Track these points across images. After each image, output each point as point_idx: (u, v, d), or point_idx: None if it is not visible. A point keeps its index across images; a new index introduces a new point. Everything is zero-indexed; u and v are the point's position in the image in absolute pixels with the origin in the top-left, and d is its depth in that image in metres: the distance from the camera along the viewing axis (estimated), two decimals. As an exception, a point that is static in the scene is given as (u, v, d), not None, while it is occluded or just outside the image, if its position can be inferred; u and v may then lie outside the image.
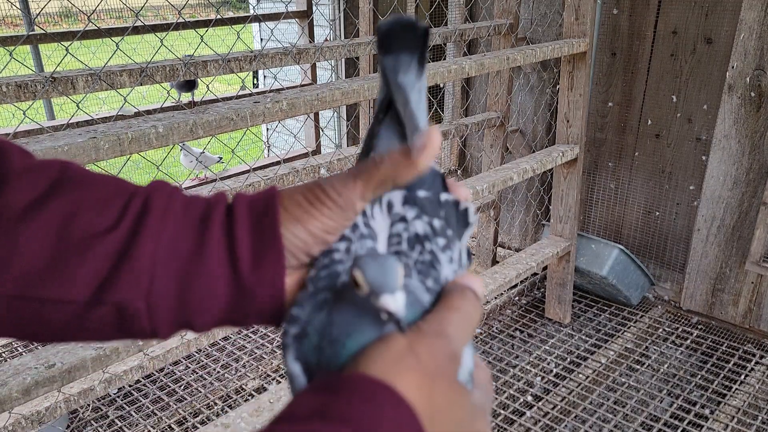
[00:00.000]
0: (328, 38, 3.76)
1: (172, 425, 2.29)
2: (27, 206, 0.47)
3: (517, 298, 3.06)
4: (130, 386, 2.49)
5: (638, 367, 2.59)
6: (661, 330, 2.82)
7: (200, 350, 2.63)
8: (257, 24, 4.25)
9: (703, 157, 2.77)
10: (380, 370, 0.42)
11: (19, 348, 2.73)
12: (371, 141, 0.55)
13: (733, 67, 2.55)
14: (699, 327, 2.83)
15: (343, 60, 3.65)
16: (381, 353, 0.43)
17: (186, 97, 3.75)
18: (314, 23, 3.83)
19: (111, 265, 0.47)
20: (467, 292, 0.49)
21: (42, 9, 2.11)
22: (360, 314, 0.46)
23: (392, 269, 0.45)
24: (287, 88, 3.60)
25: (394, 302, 0.43)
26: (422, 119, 0.52)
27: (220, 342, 2.71)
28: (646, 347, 2.71)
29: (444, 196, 0.54)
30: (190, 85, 3.70)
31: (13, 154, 0.49)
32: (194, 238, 0.49)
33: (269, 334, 2.79)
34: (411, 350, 0.44)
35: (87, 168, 0.52)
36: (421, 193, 0.53)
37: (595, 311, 2.98)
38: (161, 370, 2.53)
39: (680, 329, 2.82)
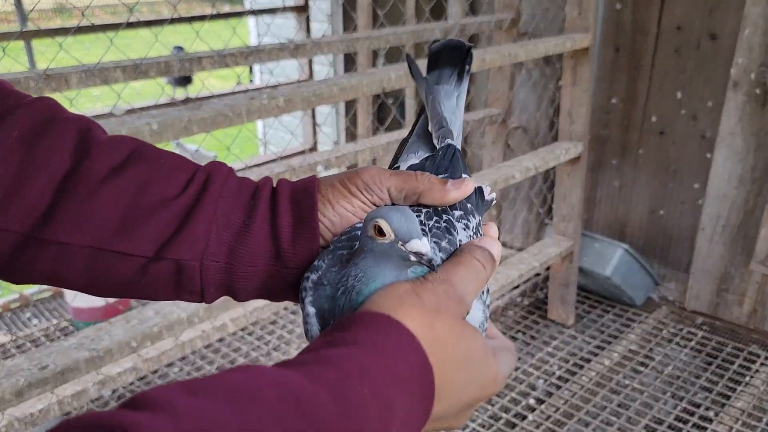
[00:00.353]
0: (326, 33, 3.71)
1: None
2: (109, 172, 0.54)
3: (519, 299, 3.02)
4: (123, 388, 2.45)
5: (642, 368, 2.55)
6: (665, 331, 2.78)
7: (194, 352, 2.59)
8: (253, 19, 4.20)
9: (708, 155, 2.72)
10: (383, 307, 0.46)
11: (11, 349, 2.69)
12: (401, 149, 0.65)
13: (737, 64, 2.51)
14: (704, 328, 2.79)
15: (341, 55, 3.60)
16: (385, 295, 0.48)
17: (180, 92, 3.70)
18: (312, 18, 3.78)
19: (174, 227, 0.55)
20: (478, 250, 0.53)
21: (36, 5, 2.06)
22: (379, 263, 0.49)
23: (414, 218, 0.49)
24: (284, 84, 3.55)
25: (424, 245, 0.48)
26: (454, 123, 0.63)
27: (215, 344, 2.67)
28: (651, 349, 2.67)
29: (465, 176, 0.60)
30: (184, 81, 3.66)
31: (97, 129, 0.57)
32: (244, 214, 0.57)
33: (265, 336, 2.75)
34: (413, 291, 0.48)
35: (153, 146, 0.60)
36: (442, 175, 0.60)
37: (599, 312, 2.94)
38: (155, 371, 2.48)
39: (685, 330, 2.78)
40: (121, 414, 0.34)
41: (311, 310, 0.53)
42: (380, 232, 0.48)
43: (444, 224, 0.56)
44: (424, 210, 0.57)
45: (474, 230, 0.57)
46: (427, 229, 0.55)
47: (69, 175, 0.54)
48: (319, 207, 0.57)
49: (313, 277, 0.54)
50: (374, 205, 0.58)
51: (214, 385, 0.38)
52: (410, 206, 0.58)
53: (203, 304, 1.70)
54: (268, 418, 0.35)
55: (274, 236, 0.57)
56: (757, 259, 2.61)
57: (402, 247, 0.48)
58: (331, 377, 0.39)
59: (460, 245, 0.54)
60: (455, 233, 0.55)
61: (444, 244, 0.54)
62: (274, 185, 0.60)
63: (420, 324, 0.46)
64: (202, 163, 0.59)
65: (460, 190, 0.58)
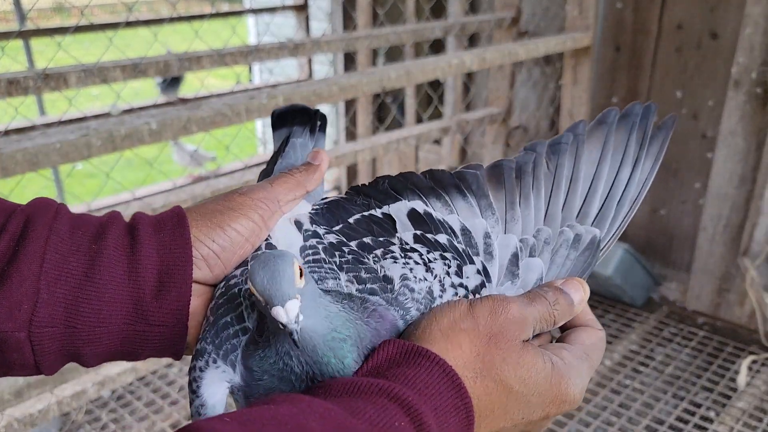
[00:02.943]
0: (325, 32, 3.70)
1: (166, 428, 2.23)
2: None
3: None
4: (123, 388, 2.44)
5: (643, 368, 2.54)
6: (666, 331, 2.77)
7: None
8: (253, 18, 4.19)
9: (709, 155, 2.72)
10: (437, 332, 0.45)
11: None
12: (271, 167, 0.62)
13: (738, 63, 2.50)
14: (704, 328, 2.79)
15: (341, 55, 3.59)
16: (438, 317, 0.46)
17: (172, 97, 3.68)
18: (311, 17, 3.77)
19: None
20: (553, 290, 0.50)
21: (35, 4, 2.06)
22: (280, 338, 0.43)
23: (282, 272, 0.41)
24: (283, 83, 3.54)
25: (285, 314, 0.40)
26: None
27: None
28: (651, 349, 2.66)
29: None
30: (174, 82, 3.64)
31: None
32: (86, 259, 0.44)
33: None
34: (469, 312, 0.46)
35: None
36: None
37: (600, 312, 2.93)
38: (155, 372, 2.48)
39: (686, 330, 2.77)
40: None
41: (209, 400, 0.45)
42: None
43: (351, 255, 0.51)
44: (321, 246, 0.52)
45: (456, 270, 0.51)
46: (335, 266, 0.50)
47: None
48: (196, 238, 0.48)
49: (200, 364, 0.46)
50: (266, 225, 0.51)
51: (264, 419, 0.37)
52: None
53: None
54: None
55: (132, 284, 0.45)
56: (749, 255, 2.60)
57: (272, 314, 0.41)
58: (370, 412, 0.38)
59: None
60: (367, 260, 0.50)
61: (364, 274, 0.49)
62: (128, 221, 0.49)
63: (469, 351, 0.44)
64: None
65: (323, 157, 0.58)
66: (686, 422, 2.25)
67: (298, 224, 0.55)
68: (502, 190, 0.56)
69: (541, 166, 0.58)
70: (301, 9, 3.76)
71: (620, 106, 2.38)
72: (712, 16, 2.61)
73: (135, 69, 1.82)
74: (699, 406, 2.33)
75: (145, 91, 6.46)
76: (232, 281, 0.49)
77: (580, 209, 0.57)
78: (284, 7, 3.73)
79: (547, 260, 0.53)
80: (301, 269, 0.42)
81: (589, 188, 0.58)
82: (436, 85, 3.33)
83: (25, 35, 3.55)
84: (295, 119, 0.65)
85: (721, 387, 2.42)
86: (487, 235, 0.53)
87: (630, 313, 2.91)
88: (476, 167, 0.57)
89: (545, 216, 0.56)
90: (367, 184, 0.57)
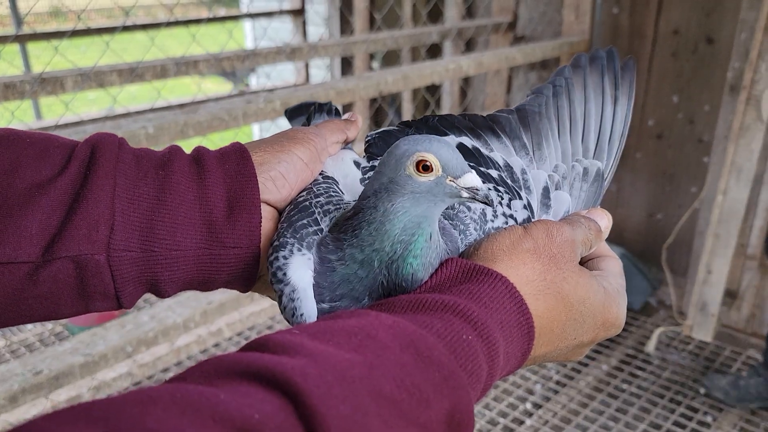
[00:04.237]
0: (322, 37, 3.70)
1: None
2: None
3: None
4: (118, 393, 2.43)
5: (640, 373, 2.54)
6: (663, 335, 2.77)
7: (190, 357, 2.57)
8: (250, 22, 4.19)
9: (705, 159, 2.72)
10: (499, 252, 0.45)
11: (6, 354, 2.66)
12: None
13: (734, 68, 2.50)
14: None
15: (338, 59, 3.59)
16: (500, 238, 0.46)
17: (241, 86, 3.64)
18: (308, 21, 3.78)
19: (61, 215, 0.42)
20: (584, 217, 0.52)
21: (32, 8, 2.05)
22: (422, 205, 0.44)
23: (457, 151, 0.44)
24: (280, 87, 3.54)
25: (479, 179, 0.44)
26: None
27: (210, 349, 2.65)
28: (648, 353, 2.66)
29: None
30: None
31: None
32: (155, 185, 0.45)
33: (262, 339, 2.73)
34: (527, 234, 0.47)
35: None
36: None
37: (595, 315, 2.93)
38: (150, 377, 2.46)
39: (682, 334, 2.77)
40: (260, 357, 0.33)
41: (299, 284, 0.45)
42: (424, 168, 0.43)
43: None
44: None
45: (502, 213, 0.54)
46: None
47: None
48: (258, 161, 0.49)
49: (283, 253, 0.46)
50: (318, 161, 0.53)
51: (334, 331, 0.37)
52: None
53: (199, 308, 1.69)
54: (395, 367, 0.35)
55: (203, 208, 0.46)
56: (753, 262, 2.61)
57: (452, 182, 0.43)
58: (438, 325, 0.39)
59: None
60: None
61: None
62: (190, 153, 0.50)
63: (531, 270, 0.45)
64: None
65: (356, 115, 0.61)
66: (683, 427, 2.25)
67: (356, 163, 0.57)
68: (529, 132, 0.60)
69: (551, 108, 0.62)
70: (298, 13, 3.77)
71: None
72: (708, 21, 2.62)
73: (132, 73, 1.82)
74: (696, 410, 2.33)
75: (142, 95, 6.46)
76: (300, 199, 0.51)
77: (582, 145, 0.61)
78: (281, 12, 3.73)
79: (568, 193, 0.57)
80: (430, 167, 0.44)
81: (584, 126, 0.62)
82: (433, 89, 3.33)
83: (21, 39, 3.54)
84: (310, 110, 0.68)
85: (718, 391, 2.42)
86: (524, 172, 0.56)
87: (627, 317, 2.90)
88: (509, 111, 0.61)
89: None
90: (416, 119, 0.60)
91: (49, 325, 2.83)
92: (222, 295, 1.69)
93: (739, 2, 2.44)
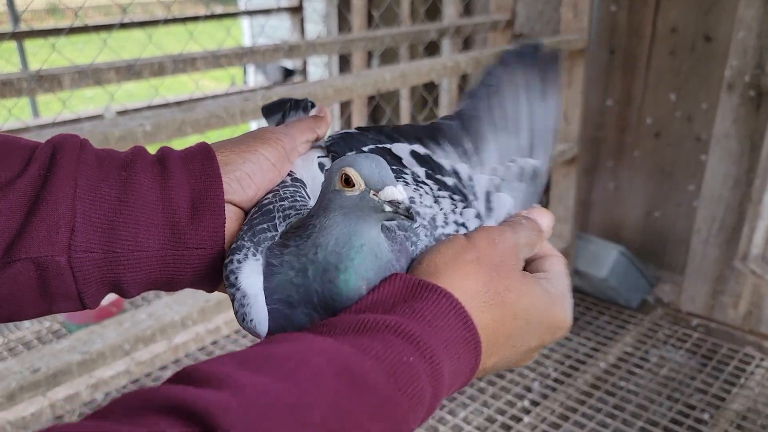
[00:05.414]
0: (320, 34, 3.70)
1: None
2: None
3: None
4: (116, 391, 2.43)
5: (637, 370, 2.55)
6: (660, 333, 2.78)
7: (188, 354, 2.57)
8: (247, 20, 4.19)
9: (703, 157, 2.73)
10: (442, 265, 0.45)
11: (3, 352, 2.66)
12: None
13: (732, 66, 2.51)
14: (699, 329, 2.79)
15: (336, 57, 3.59)
16: (443, 250, 0.46)
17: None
18: (306, 19, 3.77)
19: (20, 217, 0.42)
20: (524, 218, 0.52)
21: (29, 6, 2.05)
22: (352, 221, 0.44)
23: (385, 164, 0.44)
24: (278, 85, 3.53)
25: (400, 191, 0.43)
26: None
27: (208, 346, 2.65)
28: (646, 350, 2.67)
29: None
30: (289, 73, 3.66)
31: None
32: (117, 185, 0.45)
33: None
34: (470, 243, 0.46)
35: None
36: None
37: (594, 314, 2.93)
38: (148, 375, 2.46)
39: (680, 332, 2.78)
40: (182, 391, 0.32)
41: (250, 290, 0.46)
42: (347, 183, 0.44)
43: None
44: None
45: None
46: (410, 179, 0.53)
47: None
48: (224, 161, 0.49)
49: (238, 257, 0.47)
50: (286, 161, 0.53)
51: (265, 358, 0.36)
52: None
53: (196, 305, 1.69)
54: (327, 395, 0.35)
55: (165, 209, 0.46)
56: (738, 257, 2.61)
57: (374, 196, 0.43)
58: (378, 348, 0.38)
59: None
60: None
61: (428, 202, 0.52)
62: (153, 154, 0.50)
63: (476, 280, 0.44)
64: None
65: (325, 110, 0.60)
66: (680, 424, 2.25)
67: (321, 165, 0.57)
68: (469, 137, 0.60)
69: (486, 110, 0.62)
70: (296, 11, 3.76)
71: (615, 109, 2.39)
72: (706, 19, 2.62)
73: (129, 70, 1.82)
74: (693, 408, 2.33)
75: (139, 92, 6.44)
76: (265, 201, 0.51)
77: (516, 144, 0.61)
78: (279, 9, 3.73)
79: (509, 194, 0.57)
80: (352, 182, 0.44)
81: (517, 124, 0.63)
82: (432, 87, 3.33)
83: (18, 36, 3.53)
84: (286, 107, 0.68)
85: (715, 389, 2.42)
86: (470, 178, 0.56)
87: (625, 315, 2.91)
88: (450, 117, 0.61)
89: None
90: (372, 126, 0.61)
91: (47, 323, 2.83)
92: (221, 293, 1.68)
93: (737, 0, 2.44)
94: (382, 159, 0.45)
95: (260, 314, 0.46)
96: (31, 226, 0.43)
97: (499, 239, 0.47)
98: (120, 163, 0.47)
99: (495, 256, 0.46)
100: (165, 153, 0.49)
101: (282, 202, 0.50)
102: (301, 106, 0.67)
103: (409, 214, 0.43)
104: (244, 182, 0.50)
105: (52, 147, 0.45)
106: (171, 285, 0.50)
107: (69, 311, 0.47)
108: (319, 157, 0.59)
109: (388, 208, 0.43)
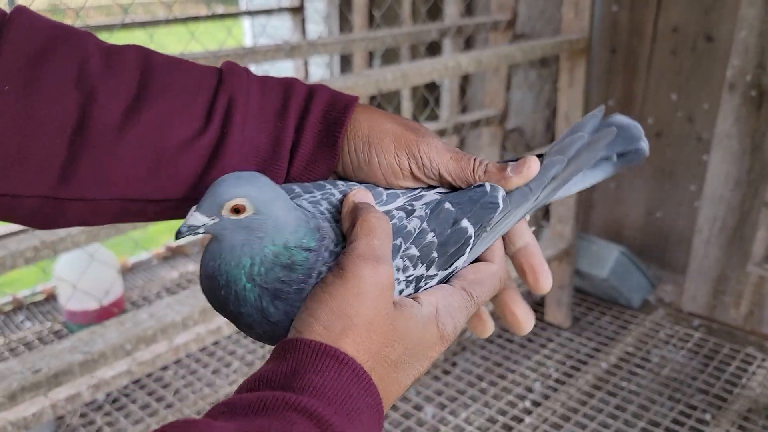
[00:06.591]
0: (321, 34, 3.70)
1: (162, 432, 2.22)
2: (122, 118, 0.50)
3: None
4: (118, 391, 2.43)
5: (639, 371, 2.54)
6: (662, 333, 2.78)
7: (189, 355, 2.57)
8: (249, 20, 4.19)
9: (704, 157, 2.72)
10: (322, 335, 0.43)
11: (4, 353, 2.66)
12: None
13: (733, 65, 2.51)
14: (700, 329, 2.79)
15: (338, 57, 3.59)
16: (312, 320, 0.44)
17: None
18: (308, 19, 3.77)
19: (203, 165, 0.52)
20: (355, 206, 0.50)
21: (29, 6, 2.05)
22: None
23: (221, 191, 0.45)
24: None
25: (188, 219, 0.45)
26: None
27: (210, 347, 2.65)
28: (648, 351, 2.66)
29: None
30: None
31: (93, 53, 0.50)
32: (270, 137, 0.53)
33: (261, 337, 2.73)
34: (340, 310, 0.44)
35: (157, 53, 0.55)
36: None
37: (596, 314, 2.93)
38: (150, 375, 2.47)
39: (681, 332, 2.78)
40: None
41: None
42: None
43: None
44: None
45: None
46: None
47: (79, 128, 0.49)
48: (351, 134, 0.53)
49: None
50: (413, 178, 0.53)
51: None
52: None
53: (198, 306, 1.69)
54: None
55: (290, 162, 0.55)
56: (753, 261, 2.61)
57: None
58: (276, 427, 0.37)
59: None
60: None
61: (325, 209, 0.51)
62: (309, 89, 0.56)
63: (357, 349, 0.43)
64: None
65: (522, 174, 0.53)
66: (682, 424, 2.25)
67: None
68: None
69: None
70: (297, 11, 3.76)
71: (616, 109, 2.40)
72: (707, 19, 2.62)
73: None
74: (695, 408, 2.33)
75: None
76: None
77: None
78: (280, 9, 3.73)
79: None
80: (239, 207, 0.45)
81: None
82: (433, 87, 3.33)
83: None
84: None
85: (716, 389, 2.42)
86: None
87: (626, 315, 2.91)
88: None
89: None
90: None
91: (48, 323, 2.84)
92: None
93: (739, 0, 2.44)
94: (224, 185, 0.45)
95: None
96: (211, 174, 0.52)
97: (359, 285, 0.45)
98: (277, 110, 0.54)
99: (365, 313, 0.45)
100: (314, 104, 0.55)
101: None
102: None
103: (178, 234, 0.46)
104: (354, 171, 0.55)
105: (228, 96, 0.53)
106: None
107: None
108: None
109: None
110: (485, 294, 0.53)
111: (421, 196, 0.53)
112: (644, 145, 0.62)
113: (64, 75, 0.49)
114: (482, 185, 0.54)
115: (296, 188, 0.52)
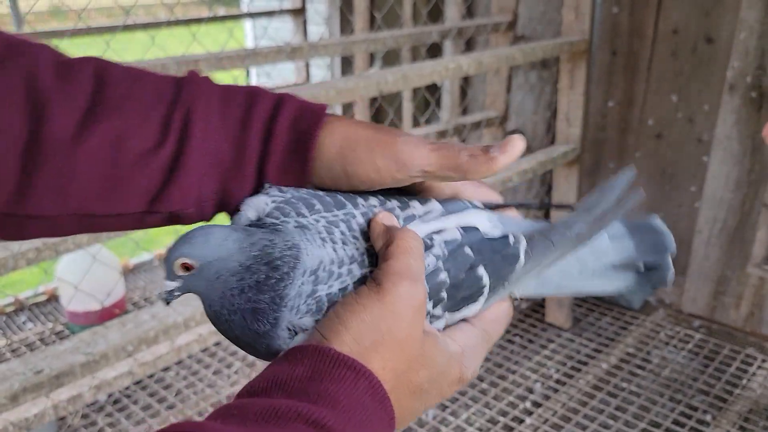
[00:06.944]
0: (323, 36, 3.71)
1: (163, 433, 2.23)
2: (75, 131, 0.48)
3: (516, 302, 3.01)
4: (119, 392, 2.43)
5: (639, 371, 2.55)
6: (662, 334, 2.78)
7: (191, 356, 2.58)
8: (250, 22, 4.20)
9: (705, 158, 2.73)
10: (334, 341, 0.43)
11: (6, 353, 2.67)
12: None
13: (733, 67, 2.51)
14: (701, 330, 2.79)
15: (338, 58, 3.59)
16: (345, 332, 0.43)
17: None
18: (309, 21, 3.78)
19: (162, 179, 0.51)
20: (401, 233, 0.48)
21: (32, 7, 2.06)
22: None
23: (169, 251, 0.48)
24: (280, 86, 3.54)
25: (166, 283, 0.49)
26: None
27: (211, 347, 2.66)
28: (648, 351, 2.67)
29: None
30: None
31: (43, 65, 0.49)
32: (233, 146, 0.51)
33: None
34: (374, 324, 0.43)
35: (115, 64, 0.54)
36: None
37: (596, 315, 2.93)
38: (151, 376, 2.47)
39: (682, 333, 2.78)
40: None
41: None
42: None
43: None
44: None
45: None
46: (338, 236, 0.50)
47: (31, 142, 0.48)
48: (322, 145, 0.51)
49: None
50: (393, 178, 0.50)
51: None
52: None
53: (199, 307, 1.69)
54: None
55: (260, 173, 0.53)
56: (753, 262, 2.61)
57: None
58: None
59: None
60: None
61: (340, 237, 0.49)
62: (276, 100, 0.54)
63: (383, 366, 0.43)
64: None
65: (507, 152, 0.49)
66: (683, 425, 2.25)
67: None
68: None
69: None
70: (299, 13, 3.77)
71: (616, 110, 2.39)
72: (707, 20, 2.62)
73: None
74: (695, 409, 2.33)
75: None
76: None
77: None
78: (282, 11, 3.74)
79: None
80: (187, 265, 0.47)
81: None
82: (434, 88, 3.34)
83: (22, 38, 3.53)
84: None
85: (717, 390, 2.42)
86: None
87: (626, 316, 2.91)
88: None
89: None
90: None
91: (50, 324, 2.84)
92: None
93: (739, 2, 2.44)
94: (180, 244, 0.48)
95: None
96: (169, 188, 0.51)
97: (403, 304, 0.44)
98: (240, 117, 0.52)
99: (398, 332, 0.44)
100: (281, 115, 0.53)
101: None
102: None
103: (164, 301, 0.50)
104: (332, 181, 0.54)
105: (185, 109, 0.51)
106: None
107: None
108: None
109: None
110: (500, 333, 0.54)
111: (441, 231, 0.51)
112: (669, 261, 0.62)
113: (13, 88, 0.48)
114: (506, 237, 0.54)
115: (317, 204, 0.50)
